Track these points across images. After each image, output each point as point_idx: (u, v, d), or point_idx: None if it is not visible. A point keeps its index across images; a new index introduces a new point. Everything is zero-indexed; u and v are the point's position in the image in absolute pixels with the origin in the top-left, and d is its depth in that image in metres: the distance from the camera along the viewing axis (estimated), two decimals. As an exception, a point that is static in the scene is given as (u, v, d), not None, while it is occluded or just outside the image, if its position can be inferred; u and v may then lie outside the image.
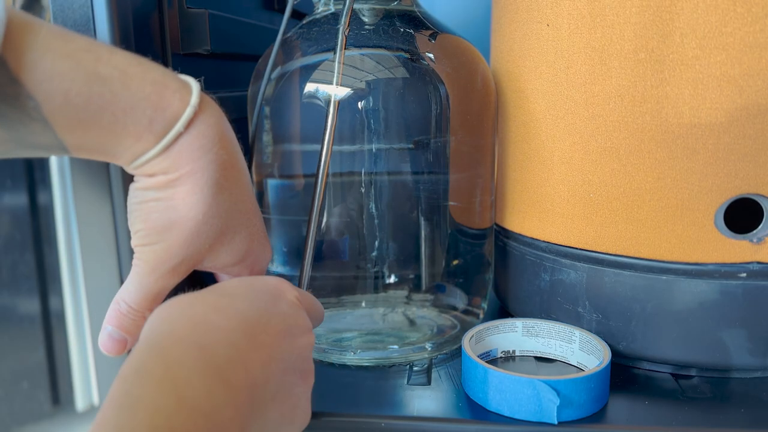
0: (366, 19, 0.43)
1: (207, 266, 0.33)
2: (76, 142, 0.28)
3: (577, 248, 0.43)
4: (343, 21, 0.40)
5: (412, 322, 0.46)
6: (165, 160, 0.29)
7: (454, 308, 0.47)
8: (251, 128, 0.44)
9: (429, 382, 0.41)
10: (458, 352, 0.45)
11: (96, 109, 0.27)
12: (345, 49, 0.40)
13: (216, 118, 0.30)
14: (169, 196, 0.30)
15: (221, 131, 0.30)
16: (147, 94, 0.28)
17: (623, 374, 0.42)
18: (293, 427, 0.31)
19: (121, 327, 0.33)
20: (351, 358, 0.44)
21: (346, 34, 0.40)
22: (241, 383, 0.25)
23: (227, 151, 0.31)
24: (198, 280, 0.36)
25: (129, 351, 0.33)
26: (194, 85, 0.30)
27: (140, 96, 0.28)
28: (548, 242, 0.45)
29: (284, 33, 0.42)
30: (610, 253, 0.41)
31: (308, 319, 0.33)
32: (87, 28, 0.36)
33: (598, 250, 0.42)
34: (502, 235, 0.50)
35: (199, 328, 0.26)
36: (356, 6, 0.43)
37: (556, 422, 0.35)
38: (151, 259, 0.31)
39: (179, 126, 0.29)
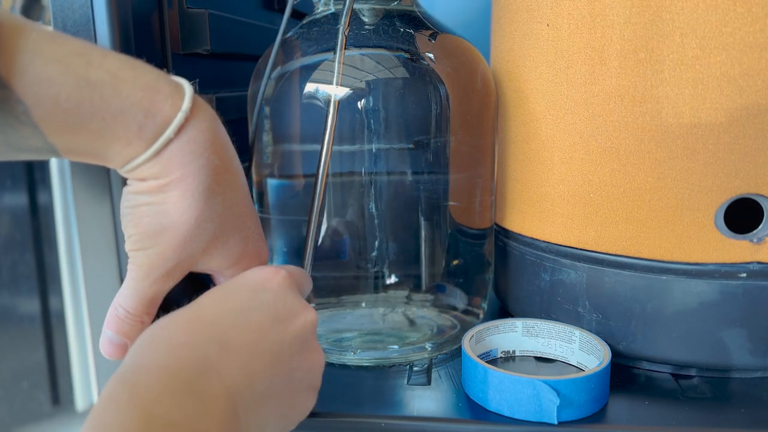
0: (366, 19, 0.43)
1: (202, 269, 0.33)
2: (66, 146, 0.28)
3: (577, 248, 0.43)
4: (343, 21, 0.40)
5: (412, 322, 0.46)
6: (156, 165, 0.29)
7: (454, 308, 0.47)
8: (251, 128, 0.44)
9: (429, 382, 0.41)
10: (458, 352, 0.45)
11: (86, 114, 0.27)
12: (345, 49, 0.40)
13: (208, 123, 0.30)
14: (161, 200, 0.30)
15: (213, 136, 0.30)
16: (138, 100, 0.28)
17: (623, 374, 0.42)
18: (297, 413, 0.31)
19: (120, 331, 0.33)
20: (351, 358, 0.44)
21: (346, 34, 0.40)
22: (215, 391, 0.25)
23: (219, 155, 0.30)
24: (196, 281, 0.36)
25: None
26: (188, 88, 0.30)
27: (131, 101, 0.28)
28: (548, 242, 0.45)
29: (284, 33, 0.42)
30: (610, 253, 0.41)
31: (300, 299, 0.32)
32: (87, 28, 0.36)
33: (598, 250, 0.42)
34: (502, 235, 0.50)
35: (162, 351, 0.26)
36: (356, 6, 0.43)
37: (556, 422, 0.35)
38: (145, 264, 0.31)
39: (169, 132, 0.28)
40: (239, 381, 0.27)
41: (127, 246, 0.31)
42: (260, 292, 0.31)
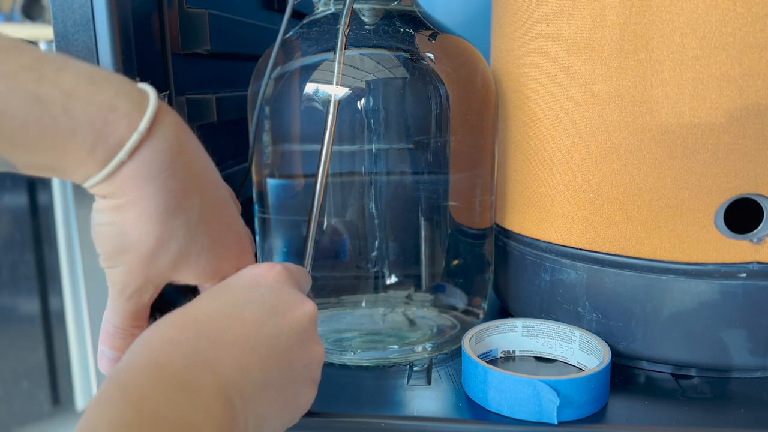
0: (366, 19, 0.43)
1: (178, 282, 0.33)
2: (20, 162, 0.27)
3: (577, 248, 0.43)
4: (343, 21, 0.40)
5: (412, 322, 0.46)
6: (110, 186, 0.28)
7: (454, 308, 0.47)
8: (251, 128, 0.44)
9: (429, 382, 0.41)
10: (458, 352, 0.45)
11: (33, 133, 0.26)
12: (345, 49, 0.40)
13: (167, 143, 0.28)
14: (120, 221, 0.29)
15: (172, 157, 0.29)
16: (90, 119, 0.26)
17: (623, 374, 0.42)
18: (297, 406, 0.31)
19: (113, 346, 0.33)
20: (351, 358, 0.44)
21: (346, 34, 0.40)
22: (208, 385, 0.25)
23: (179, 177, 0.29)
24: (188, 289, 0.36)
25: None
26: (151, 105, 0.28)
27: (82, 121, 0.26)
28: (548, 242, 0.45)
29: (284, 33, 0.42)
30: (610, 253, 0.41)
31: (298, 292, 0.32)
32: (87, 28, 0.36)
33: (598, 250, 0.42)
34: (502, 235, 0.50)
35: (154, 349, 0.27)
36: (356, 6, 0.43)
37: (556, 422, 0.35)
38: (117, 281, 0.31)
39: (122, 155, 0.27)
40: (233, 374, 0.27)
41: (100, 262, 0.31)
42: (254, 287, 0.31)
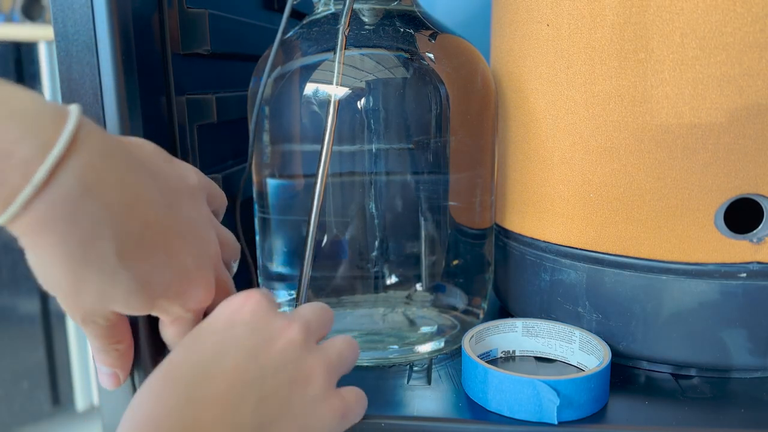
0: (366, 19, 0.43)
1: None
2: None
3: (577, 248, 0.43)
4: (343, 21, 0.40)
5: (412, 322, 0.46)
6: (15, 230, 0.26)
7: (454, 308, 0.47)
8: (251, 128, 0.44)
9: (429, 382, 0.41)
10: (458, 352, 0.45)
11: None
12: (345, 49, 0.40)
13: (68, 193, 0.25)
14: (34, 261, 0.27)
15: (73, 207, 0.26)
16: None
17: (623, 374, 0.42)
18: (326, 423, 0.31)
19: (104, 363, 0.33)
20: (351, 358, 0.44)
21: (346, 34, 0.40)
22: None
23: (82, 226, 0.26)
24: None
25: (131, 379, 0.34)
26: (57, 147, 0.25)
27: None
28: (548, 242, 0.45)
29: (284, 33, 0.42)
30: (610, 253, 0.41)
31: (277, 318, 0.31)
32: (87, 28, 0.36)
33: (598, 250, 0.42)
34: (502, 235, 0.50)
35: (136, 408, 0.27)
36: (356, 6, 0.43)
37: (556, 422, 0.35)
38: (64, 309, 0.30)
39: (14, 208, 0.24)
40: (227, 429, 0.27)
41: None
42: (230, 329, 0.30)
